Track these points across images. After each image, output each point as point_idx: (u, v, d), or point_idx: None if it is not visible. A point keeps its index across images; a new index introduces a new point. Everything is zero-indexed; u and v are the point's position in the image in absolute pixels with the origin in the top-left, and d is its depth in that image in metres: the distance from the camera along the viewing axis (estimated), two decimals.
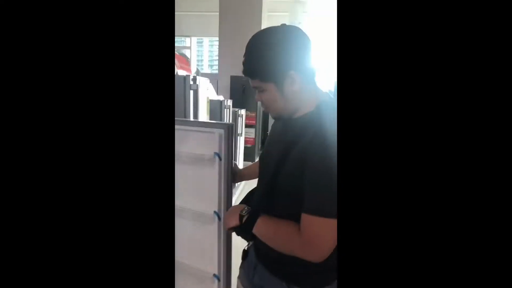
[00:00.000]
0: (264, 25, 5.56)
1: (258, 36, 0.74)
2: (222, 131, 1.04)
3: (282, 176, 0.73)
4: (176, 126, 1.12)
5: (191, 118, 1.93)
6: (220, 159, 1.05)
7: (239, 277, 0.97)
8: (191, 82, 1.96)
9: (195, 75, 2.26)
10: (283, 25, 0.74)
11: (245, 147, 3.71)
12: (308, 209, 0.66)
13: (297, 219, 0.70)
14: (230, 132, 1.05)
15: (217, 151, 1.05)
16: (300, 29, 0.73)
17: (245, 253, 0.93)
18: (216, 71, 6.59)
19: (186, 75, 1.95)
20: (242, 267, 0.96)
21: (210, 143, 1.06)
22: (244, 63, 0.75)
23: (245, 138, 3.62)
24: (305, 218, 0.67)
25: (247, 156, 4.70)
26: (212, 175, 1.07)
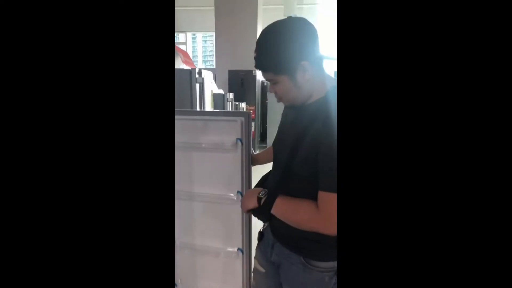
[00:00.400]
0: (259, 19, 5.59)
1: (268, 30, 0.77)
2: (243, 118, 1.12)
3: (297, 160, 0.78)
4: (197, 117, 1.20)
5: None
6: (242, 143, 1.13)
7: (256, 258, 1.03)
8: (197, 76, 2.01)
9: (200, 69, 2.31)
10: (290, 18, 0.78)
11: None
12: (325, 187, 0.72)
13: (313, 199, 0.75)
14: (249, 119, 1.13)
15: (239, 136, 1.13)
16: (306, 19, 0.77)
17: (261, 235, 0.99)
18: (211, 66, 6.60)
19: (192, 69, 2.00)
20: (258, 248, 1.02)
21: (233, 130, 1.13)
22: (256, 58, 0.78)
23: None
24: (322, 195, 0.72)
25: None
26: (235, 159, 1.15)
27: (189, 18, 7.29)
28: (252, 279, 1.04)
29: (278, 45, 0.74)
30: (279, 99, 0.83)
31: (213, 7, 5.48)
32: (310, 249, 0.83)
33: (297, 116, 0.84)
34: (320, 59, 0.78)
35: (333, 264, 0.83)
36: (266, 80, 0.81)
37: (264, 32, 0.77)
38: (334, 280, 0.84)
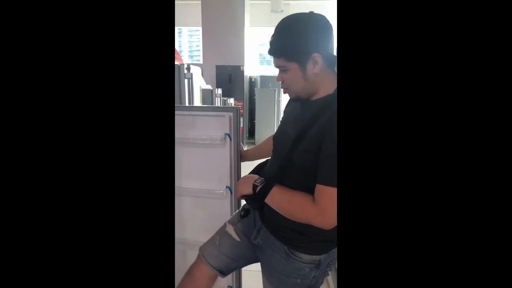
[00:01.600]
0: (247, 14, 5.57)
1: (287, 18, 0.79)
2: (231, 114, 1.13)
3: (298, 152, 0.78)
4: (185, 112, 1.20)
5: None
6: (230, 139, 1.14)
7: (232, 224, 1.03)
8: (186, 71, 2.00)
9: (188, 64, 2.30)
10: (311, 13, 0.80)
11: None
12: (323, 180, 0.73)
13: (310, 192, 0.76)
14: (238, 114, 1.14)
15: (228, 132, 1.14)
16: (325, 17, 0.80)
17: (246, 212, 0.99)
18: (197, 62, 6.54)
19: (181, 64, 1.99)
20: (241, 221, 1.01)
21: (221, 125, 1.14)
22: (271, 43, 0.80)
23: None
24: (320, 188, 0.73)
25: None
26: (224, 154, 1.16)
27: (175, 12, 7.20)
28: (217, 239, 1.02)
29: (294, 32, 0.77)
30: (286, 89, 0.84)
31: (200, 2, 5.42)
32: (297, 240, 0.85)
33: (302, 110, 0.86)
34: (332, 57, 0.80)
35: (316, 257, 0.85)
36: (277, 66, 0.83)
37: (284, 20, 0.80)
38: (314, 272, 0.86)
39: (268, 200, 0.83)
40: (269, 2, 6.16)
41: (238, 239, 1.00)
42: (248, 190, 0.87)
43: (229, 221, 1.05)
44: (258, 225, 0.94)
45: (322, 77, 0.80)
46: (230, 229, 1.02)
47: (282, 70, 0.81)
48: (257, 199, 0.85)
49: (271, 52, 0.81)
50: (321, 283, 0.91)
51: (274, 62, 0.82)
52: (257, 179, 0.87)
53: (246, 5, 5.50)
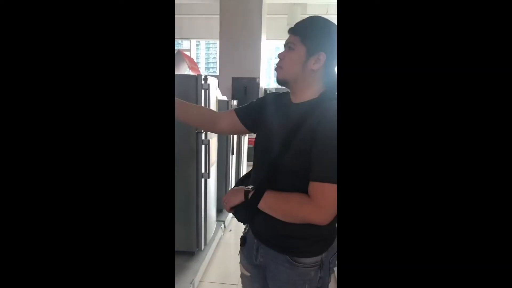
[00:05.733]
0: (263, 27, 5.67)
1: (318, 16, 0.86)
2: None
3: (289, 154, 0.80)
4: None
5: None
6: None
7: (241, 263, 1.03)
8: (203, 82, 2.05)
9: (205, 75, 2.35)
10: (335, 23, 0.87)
11: (248, 147, 3.80)
12: (317, 177, 0.75)
13: (302, 192, 0.78)
14: None
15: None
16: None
17: (243, 239, 0.99)
18: (213, 73, 6.67)
19: (198, 75, 2.04)
20: (241, 252, 1.02)
21: None
22: (296, 24, 0.86)
23: (248, 138, 3.71)
24: (315, 185, 0.76)
25: (250, 156, 4.77)
26: None
27: (193, 25, 7.39)
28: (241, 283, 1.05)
29: (319, 27, 0.83)
30: (279, 68, 0.86)
31: (218, 15, 5.56)
32: (295, 247, 0.85)
33: (286, 113, 0.87)
34: (332, 65, 0.84)
35: (317, 258, 0.86)
36: (286, 43, 0.85)
37: (315, 16, 0.86)
38: (319, 274, 0.86)
39: (262, 204, 0.83)
40: (286, 16, 6.26)
41: (248, 273, 1.00)
42: (240, 198, 0.86)
43: (239, 262, 1.05)
44: (255, 245, 0.93)
45: (315, 77, 0.83)
46: (241, 268, 1.03)
47: (289, 47, 0.84)
48: (250, 205, 0.84)
49: (290, 30, 0.85)
50: (329, 281, 0.90)
51: (287, 39, 0.85)
52: (247, 187, 0.87)
53: (263, 19, 5.60)
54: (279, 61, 0.86)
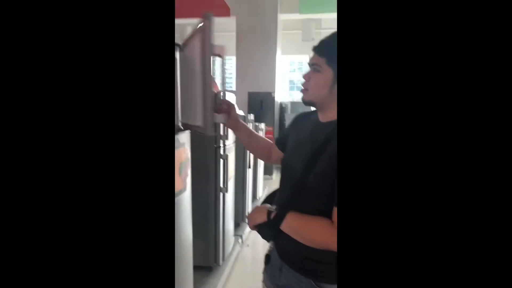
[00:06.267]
0: (279, 43, 5.77)
1: None
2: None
3: (313, 175, 0.77)
4: None
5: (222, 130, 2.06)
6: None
7: (263, 281, 1.00)
8: (221, 97, 2.09)
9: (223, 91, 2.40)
10: None
11: None
12: None
13: (326, 216, 0.74)
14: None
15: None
16: None
17: (267, 258, 0.97)
18: (230, 88, 6.79)
19: (217, 92, 2.09)
20: (265, 271, 0.99)
21: None
22: (322, 41, 0.81)
23: None
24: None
25: (267, 169, 4.77)
26: None
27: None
28: None
29: None
30: (305, 90, 0.84)
31: (235, 33, 5.71)
32: (319, 271, 0.82)
33: (313, 133, 0.86)
34: None
35: None
36: (312, 64, 0.82)
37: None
38: None
39: (284, 226, 0.81)
40: (301, 31, 6.35)
41: None
42: (262, 218, 0.85)
43: (262, 280, 1.03)
44: (279, 265, 0.91)
45: None
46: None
47: (314, 69, 0.81)
48: (272, 226, 0.83)
49: (317, 48, 0.81)
50: None
51: (312, 59, 0.82)
52: (270, 207, 0.86)
53: (279, 35, 5.70)
54: (304, 83, 0.84)
